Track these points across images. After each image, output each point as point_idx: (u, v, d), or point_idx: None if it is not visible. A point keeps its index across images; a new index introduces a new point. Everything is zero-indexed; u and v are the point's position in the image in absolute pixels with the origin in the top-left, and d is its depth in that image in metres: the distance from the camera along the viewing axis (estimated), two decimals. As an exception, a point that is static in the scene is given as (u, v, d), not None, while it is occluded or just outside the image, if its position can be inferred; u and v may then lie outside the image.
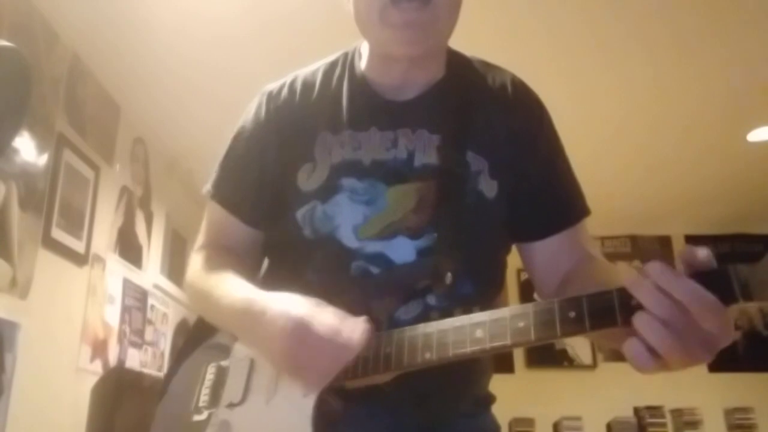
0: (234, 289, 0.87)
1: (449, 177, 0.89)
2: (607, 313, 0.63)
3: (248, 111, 1.03)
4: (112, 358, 2.75)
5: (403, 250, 0.86)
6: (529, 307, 0.67)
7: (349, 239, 0.87)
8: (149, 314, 3.22)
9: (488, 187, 0.90)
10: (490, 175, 0.90)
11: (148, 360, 3.17)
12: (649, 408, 4.20)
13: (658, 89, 2.89)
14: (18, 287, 2.07)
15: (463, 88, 0.95)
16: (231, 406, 0.86)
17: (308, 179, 0.92)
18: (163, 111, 3.06)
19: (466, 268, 0.86)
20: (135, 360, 3.00)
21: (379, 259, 0.86)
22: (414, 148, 0.90)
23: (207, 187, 1.03)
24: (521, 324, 0.67)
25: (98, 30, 2.43)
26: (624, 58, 2.66)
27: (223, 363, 0.92)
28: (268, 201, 0.96)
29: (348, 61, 1.00)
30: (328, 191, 0.90)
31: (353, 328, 0.75)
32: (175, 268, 3.97)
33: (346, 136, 0.92)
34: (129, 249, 3.00)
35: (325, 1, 2.22)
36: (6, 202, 2.03)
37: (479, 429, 0.94)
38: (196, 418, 0.89)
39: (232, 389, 0.87)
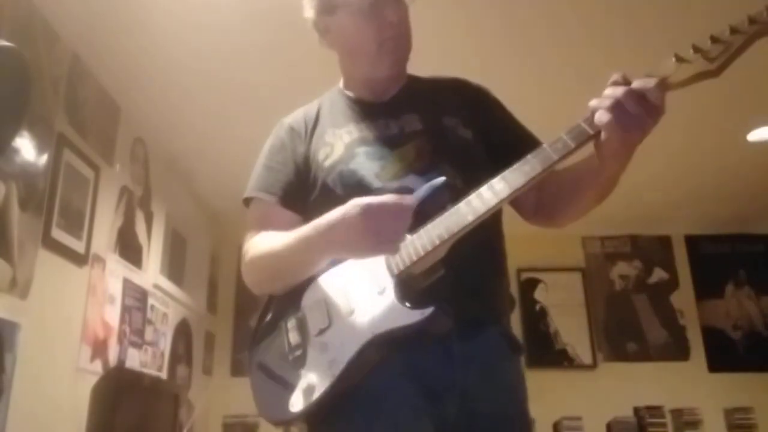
0: (295, 231, 1.09)
1: (434, 131, 1.18)
2: (581, 131, 0.94)
3: (270, 138, 1.31)
4: (112, 358, 2.75)
5: (416, 183, 1.08)
6: (527, 156, 0.97)
7: (373, 183, 1.12)
8: (149, 314, 3.22)
9: (465, 132, 1.20)
10: (463, 126, 1.20)
11: (148, 360, 3.17)
12: (649, 408, 4.19)
13: (658, 89, 2.89)
14: (18, 287, 2.07)
15: (423, 84, 1.31)
16: (321, 332, 1.06)
17: (329, 157, 1.18)
18: (163, 111, 3.06)
19: (468, 186, 1.02)
20: (135, 360, 3.00)
21: (402, 191, 1.07)
22: (403, 126, 1.20)
23: (246, 194, 1.25)
24: (527, 167, 0.96)
25: (98, 30, 2.43)
26: (623, 58, 2.65)
27: (298, 314, 1.11)
28: (303, 184, 1.20)
29: (335, 91, 1.33)
30: (348, 157, 1.17)
31: (404, 195, 1.01)
32: (175, 268, 3.98)
33: (350, 126, 1.22)
34: (129, 249, 3.01)
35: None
36: (6, 202, 2.03)
37: (512, 370, 1.14)
38: (293, 355, 1.08)
39: (317, 321, 1.07)
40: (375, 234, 0.97)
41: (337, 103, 1.29)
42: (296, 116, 1.30)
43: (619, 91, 0.90)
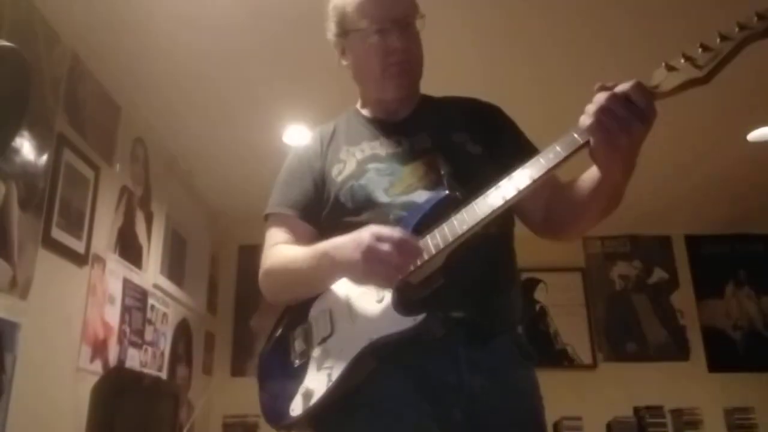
0: (311, 247, 1.15)
1: (444, 148, 1.21)
2: (573, 140, 0.95)
3: (288, 157, 1.37)
4: (112, 358, 2.75)
5: (424, 198, 1.12)
6: (520, 168, 0.99)
7: (382, 197, 1.16)
8: (149, 314, 3.22)
9: (474, 149, 1.22)
10: (473, 142, 1.23)
11: (148, 360, 3.17)
12: (649, 408, 4.20)
13: (658, 89, 2.89)
14: (18, 287, 2.07)
15: (435, 104, 1.35)
16: (323, 340, 1.10)
17: (341, 173, 1.23)
18: (163, 111, 3.06)
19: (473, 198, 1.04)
20: (135, 360, 3.00)
21: (409, 205, 1.12)
22: (413, 144, 1.24)
23: (267, 210, 1.30)
24: (528, 170, 0.98)
25: (98, 30, 2.43)
26: (623, 56, 2.66)
27: (305, 324, 1.15)
28: (320, 199, 1.25)
29: (352, 110, 1.38)
30: (359, 173, 1.21)
31: (407, 233, 1.03)
32: (175, 268, 3.98)
33: (363, 144, 1.27)
34: (129, 249, 3.01)
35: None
36: (6, 202, 2.03)
37: (524, 378, 1.15)
38: (297, 363, 1.13)
39: (320, 330, 1.12)
40: (379, 263, 0.98)
41: (353, 122, 1.34)
42: (313, 135, 1.36)
43: (603, 95, 0.92)
